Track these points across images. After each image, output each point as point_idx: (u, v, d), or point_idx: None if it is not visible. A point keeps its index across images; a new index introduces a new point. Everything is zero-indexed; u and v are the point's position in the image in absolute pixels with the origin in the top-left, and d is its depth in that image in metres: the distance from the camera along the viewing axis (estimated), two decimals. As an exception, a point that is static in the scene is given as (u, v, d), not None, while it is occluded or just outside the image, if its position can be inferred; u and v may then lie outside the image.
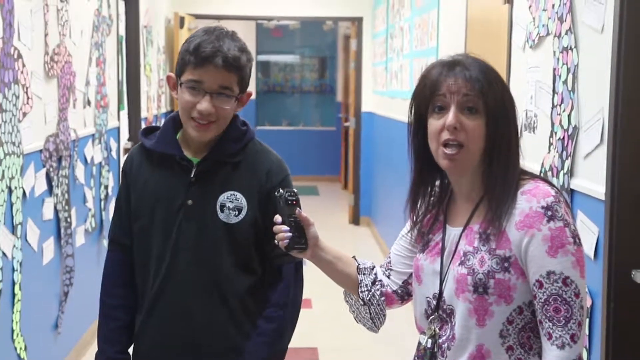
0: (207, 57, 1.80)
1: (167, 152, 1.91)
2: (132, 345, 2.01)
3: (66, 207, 3.82)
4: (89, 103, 4.41)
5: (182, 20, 7.36)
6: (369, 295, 1.72)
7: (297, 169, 9.75)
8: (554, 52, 2.55)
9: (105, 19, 4.85)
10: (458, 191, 1.59)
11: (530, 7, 2.80)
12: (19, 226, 3.09)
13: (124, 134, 5.63)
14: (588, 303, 2.22)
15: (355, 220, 8.08)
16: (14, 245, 3.03)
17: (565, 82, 2.45)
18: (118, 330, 1.97)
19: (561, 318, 1.44)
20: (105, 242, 4.76)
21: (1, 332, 2.91)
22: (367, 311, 1.73)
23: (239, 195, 1.89)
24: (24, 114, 3.17)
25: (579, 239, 1.47)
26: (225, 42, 1.82)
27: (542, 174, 2.55)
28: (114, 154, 5.09)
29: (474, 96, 1.49)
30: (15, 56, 3.06)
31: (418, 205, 1.64)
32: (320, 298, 5.05)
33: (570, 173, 2.39)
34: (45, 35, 3.53)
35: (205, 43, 1.81)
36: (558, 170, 2.48)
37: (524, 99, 2.82)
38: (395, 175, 6.08)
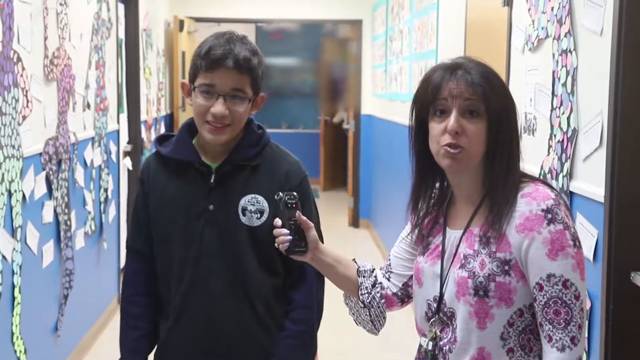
0: (218, 60, 1.81)
1: (185, 158, 1.92)
2: (155, 352, 2.02)
3: (66, 210, 3.82)
4: (88, 106, 4.42)
5: (181, 23, 7.36)
6: (369, 298, 1.72)
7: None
8: (553, 54, 2.56)
9: (104, 22, 4.85)
10: (458, 194, 1.60)
11: (529, 9, 2.80)
12: (19, 229, 3.09)
13: (124, 137, 5.64)
14: (587, 305, 2.22)
15: (354, 222, 8.09)
16: (14, 248, 3.03)
17: (564, 84, 2.45)
18: (141, 339, 1.98)
19: (561, 320, 1.44)
20: (106, 245, 4.77)
21: (1, 335, 2.91)
22: (367, 314, 1.73)
23: (260, 198, 1.90)
24: (24, 117, 3.17)
25: (579, 242, 1.48)
26: (236, 45, 1.84)
27: (541, 177, 2.55)
28: (113, 157, 5.09)
29: (475, 100, 1.49)
30: (15, 59, 3.06)
31: (419, 208, 1.64)
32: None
33: (570, 176, 2.40)
34: (45, 38, 3.54)
35: (216, 47, 1.83)
36: (557, 172, 2.48)
37: (523, 101, 2.83)
38: (394, 177, 6.08)
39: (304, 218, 1.64)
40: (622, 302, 2.13)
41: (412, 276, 1.68)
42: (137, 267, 2.00)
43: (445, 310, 1.55)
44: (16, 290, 3.05)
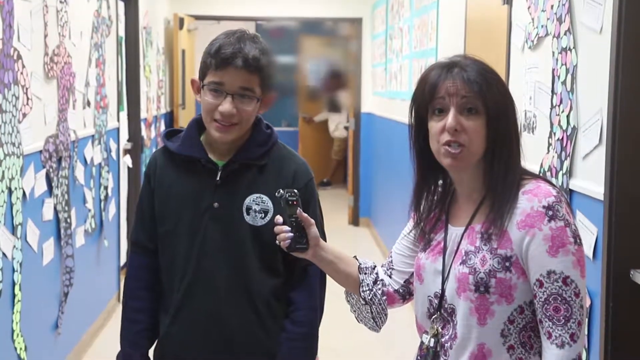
0: (227, 59, 1.81)
1: (192, 155, 1.92)
2: (155, 347, 2.02)
3: (66, 208, 3.82)
4: (88, 104, 4.42)
5: (181, 21, 7.36)
6: (371, 295, 1.72)
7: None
8: (553, 52, 2.56)
9: (104, 20, 4.85)
10: (460, 191, 1.60)
11: (529, 7, 2.80)
12: (19, 227, 3.09)
13: (124, 134, 5.64)
14: (587, 303, 2.22)
15: (354, 221, 8.09)
16: (14, 246, 3.03)
17: (564, 82, 2.45)
18: (142, 333, 1.99)
19: (561, 317, 1.45)
20: (106, 243, 4.77)
21: (1, 333, 2.92)
22: (369, 311, 1.73)
23: (265, 197, 1.90)
24: (24, 115, 3.17)
25: (580, 239, 1.48)
26: (247, 44, 1.84)
27: (541, 175, 2.56)
28: (113, 154, 5.10)
29: (472, 97, 1.50)
30: (15, 57, 3.06)
31: (421, 205, 1.64)
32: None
33: (569, 173, 2.40)
34: (45, 36, 3.54)
35: (226, 45, 1.83)
36: (557, 170, 2.49)
37: (523, 99, 2.83)
38: (394, 176, 6.09)
39: (305, 215, 1.65)
40: (621, 299, 2.13)
41: (413, 273, 1.68)
42: (140, 261, 2.00)
43: (446, 306, 1.56)
44: (16, 287, 3.05)
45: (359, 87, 7.91)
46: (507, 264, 1.48)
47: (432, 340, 1.57)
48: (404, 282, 1.73)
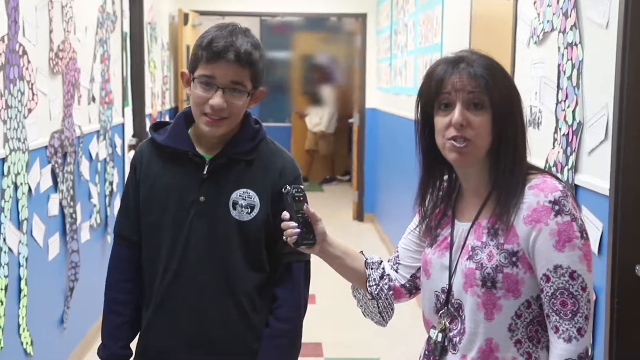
0: (219, 52, 1.80)
1: (179, 147, 1.90)
2: (137, 341, 2.00)
3: (71, 203, 3.83)
4: (93, 99, 4.43)
5: (186, 16, 7.36)
6: (377, 290, 1.73)
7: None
8: (559, 47, 2.55)
9: (109, 16, 4.86)
10: (466, 186, 1.60)
11: (534, 2, 2.80)
12: (25, 222, 3.10)
13: (129, 130, 5.65)
14: (592, 298, 2.23)
15: (359, 216, 8.09)
16: (20, 241, 3.04)
17: (569, 78, 2.45)
18: (123, 326, 1.97)
19: (568, 312, 1.45)
20: (110, 238, 4.78)
21: (8, 327, 2.93)
22: (376, 305, 1.74)
23: (252, 193, 1.89)
24: (29, 110, 3.18)
25: (586, 234, 1.48)
26: (239, 37, 1.82)
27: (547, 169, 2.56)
28: (118, 150, 5.10)
29: (479, 92, 1.50)
30: (21, 52, 3.07)
31: (426, 200, 1.64)
32: (325, 294, 5.05)
33: (575, 169, 2.40)
34: (50, 31, 3.54)
35: (218, 38, 1.81)
36: (562, 166, 2.49)
37: (528, 95, 2.82)
38: (399, 171, 6.08)
39: (312, 211, 1.65)
40: (626, 295, 2.13)
41: (420, 268, 1.68)
42: (124, 253, 1.98)
43: (453, 301, 1.56)
44: (22, 282, 3.06)
45: (364, 83, 7.91)
46: (514, 259, 1.48)
47: (440, 335, 1.58)
48: (411, 276, 1.73)
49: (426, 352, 1.61)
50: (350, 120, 8.54)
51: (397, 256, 1.76)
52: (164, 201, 1.90)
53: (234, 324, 1.90)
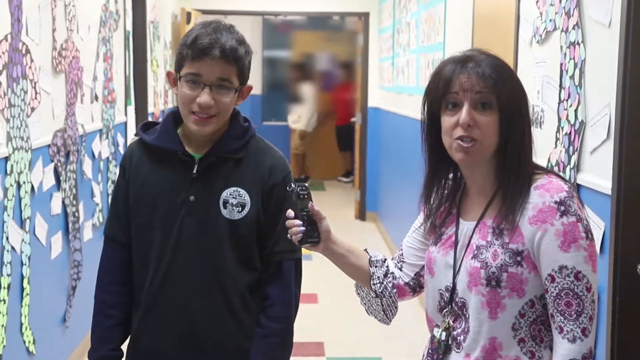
0: (204, 49, 1.78)
1: (168, 147, 1.89)
2: (128, 342, 1.99)
3: (74, 202, 3.84)
4: (96, 98, 4.43)
5: (188, 15, 7.36)
6: (381, 288, 1.73)
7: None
8: (561, 47, 2.55)
9: (112, 15, 4.86)
10: (472, 185, 1.60)
11: (537, 1, 2.80)
12: (28, 220, 3.11)
13: (131, 129, 5.65)
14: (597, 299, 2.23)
15: (361, 215, 8.09)
16: (23, 240, 3.05)
17: (572, 77, 2.45)
18: (113, 328, 1.96)
19: (572, 312, 1.45)
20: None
21: (10, 326, 2.93)
22: (379, 303, 1.74)
23: (242, 191, 1.88)
24: (32, 109, 3.19)
25: (591, 234, 1.49)
26: (223, 34, 1.81)
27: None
28: (121, 149, 5.11)
29: (487, 92, 1.50)
30: (24, 51, 3.07)
31: (432, 198, 1.65)
32: (326, 293, 5.05)
33: (577, 168, 2.40)
34: (53, 30, 3.55)
35: (203, 36, 1.80)
36: (564, 165, 2.48)
37: (530, 94, 2.82)
38: (401, 170, 6.08)
39: (317, 209, 1.65)
40: (628, 294, 2.13)
41: (424, 266, 1.69)
42: (114, 255, 1.97)
43: (456, 300, 1.56)
44: (25, 281, 3.07)
45: (366, 82, 7.91)
46: (519, 258, 1.49)
47: (444, 333, 1.58)
48: (414, 274, 1.74)
49: (429, 351, 1.61)
50: (353, 120, 8.54)
51: (401, 254, 1.76)
52: (153, 201, 1.89)
53: (225, 324, 1.90)
